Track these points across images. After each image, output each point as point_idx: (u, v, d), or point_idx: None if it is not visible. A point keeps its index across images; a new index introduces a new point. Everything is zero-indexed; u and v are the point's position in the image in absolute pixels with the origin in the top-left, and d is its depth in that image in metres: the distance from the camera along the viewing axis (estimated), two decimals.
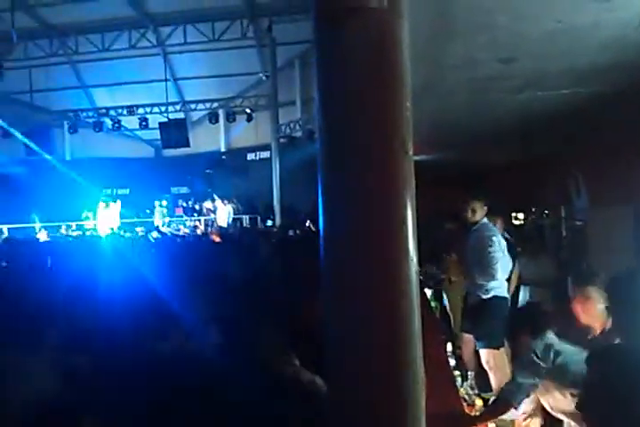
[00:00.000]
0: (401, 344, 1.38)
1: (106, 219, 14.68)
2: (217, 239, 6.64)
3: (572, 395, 2.45)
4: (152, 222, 15.06)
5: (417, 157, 1.43)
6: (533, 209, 12.51)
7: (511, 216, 11.78)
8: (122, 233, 11.26)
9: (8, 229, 12.30)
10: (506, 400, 2.85)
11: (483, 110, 7.00)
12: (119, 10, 13.43)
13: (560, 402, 2.63)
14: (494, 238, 4.59)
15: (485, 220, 4.77)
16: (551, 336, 2.80)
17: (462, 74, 5.39)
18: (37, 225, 13.86)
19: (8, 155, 16.39)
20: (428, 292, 5.91)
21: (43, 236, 11.52)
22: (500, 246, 4.60)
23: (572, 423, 2.59)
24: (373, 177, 1.37)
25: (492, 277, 4.50)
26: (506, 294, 4.67)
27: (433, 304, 5.79)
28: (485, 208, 4.78)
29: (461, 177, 13.17)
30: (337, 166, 1.42)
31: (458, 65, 5.10)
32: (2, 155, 16.39)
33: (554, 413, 2.75)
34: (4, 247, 7.19)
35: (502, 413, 2.96)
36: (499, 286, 4.59)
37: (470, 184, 12.32)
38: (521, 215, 12.89)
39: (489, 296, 4.54)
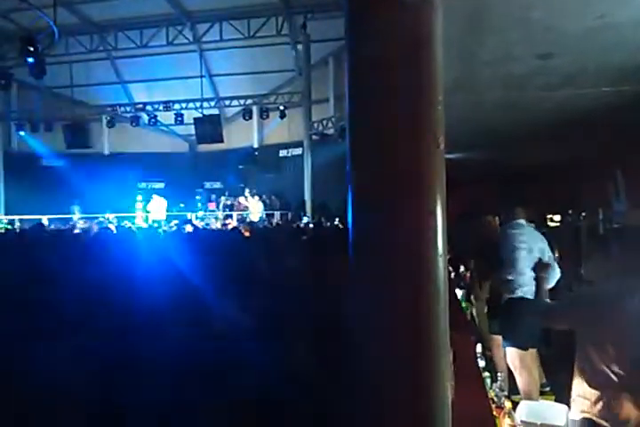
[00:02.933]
0: (428, 342, 1.36)
1: (150, 207, 15.28)
2: (247, 234, 6.66)
3: None
4: (185, 216, 15.30)
5: (448, 155, 1.41)
6: (570, 211, 12.20)
7: (546, 218, 11.52)
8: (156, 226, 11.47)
9: (48, 219, 12.69)
10: None
11: (518, 108, 6.85)
12: (158, 7, 13.69)
13: None
14: (516, 233, 4.53)
15: (521, 220, 4.69)
16: None
17: (497, 70, 5.28)
18: (76, 216, 14.28)
19: (49, 148, 16.96)
20: (460, 292, 5.82)
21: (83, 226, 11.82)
22: (523, 242, 4.50)
23: None
24: (404, 171, 1.35)
25: (513, 268, 4.41)
26: (532, 296, 4.51)
27: (464, 305, 5.69)
28: (521, 209, 4.70)
29: (495, 177, 12.94)
30: (367, 160, 1.41)
31: (493, 60, 5.00)
32: (44, 148, 16.96)
33: None
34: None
35: None
36: (526, 285, 4.47)
37: (505, 184, 12.10)
38: (557, 217, 12.59)
39: (515, 296, 4.45)
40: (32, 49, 10.48)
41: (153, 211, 15.29)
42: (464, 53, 4.59)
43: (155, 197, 15.70)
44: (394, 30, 1.37)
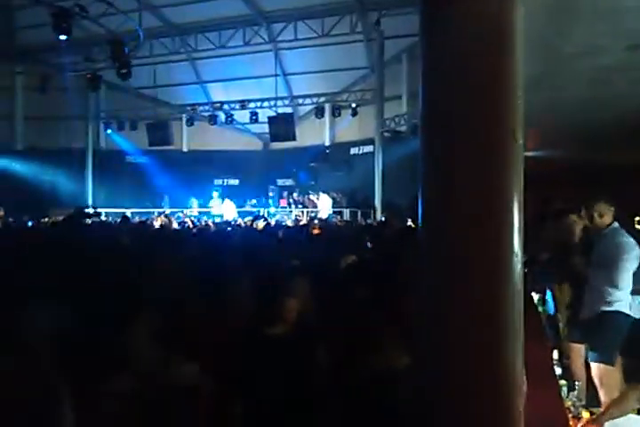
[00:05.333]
0: (501, 343, 1.32)
1: (222, 209, 15.94)
2: (316, 231, 6.73)
3: None
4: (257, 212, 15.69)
5: (527, 153, 1.35)
6: None
7: (634, 220, 10.80)
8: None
9: (131, 213, 13.45)
10: None
11: (604, 103, 6.47)
12: (235, 9, 14.11)
13: None
14: (627, 246, 4.18)
15: (616, 224, 4.35)
16: None
17: (583, 62, 5.01)
18: (157, 210, 15.05)
19: (134, 145, 17.99)
20: (536, 296, 5.58)
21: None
22: (633, 256, 4.17)
23: None
24: (480, 168, 1.31)
25: (616, 286, 4.12)
26: (629, 311, 4.13)
27: (540, 309, 5.46)
28: (613, 210, 4.37)
29: (576, 176, 12.28)
30: (440, 157, 1.38)
31: (578, 53, 4.75)
32: (130, 145, 18.02)
33: None
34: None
35: None
36: (622, 300, 4.17)
37: (588, 185, 11.45)
38: None
39: (612, 309, 4.16)
40: (120, 52, 11.09)
41: (225, 212, 15.78)
42: (547, 45, 4.39)
43: (226, 200, 16.25)
44: (470, 24, 1.32)
